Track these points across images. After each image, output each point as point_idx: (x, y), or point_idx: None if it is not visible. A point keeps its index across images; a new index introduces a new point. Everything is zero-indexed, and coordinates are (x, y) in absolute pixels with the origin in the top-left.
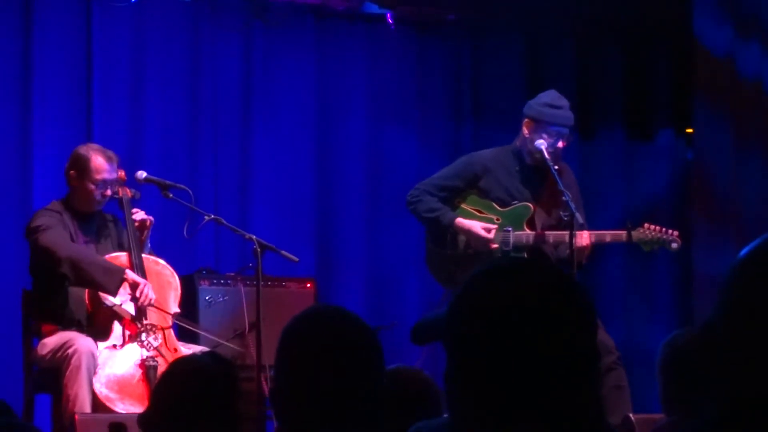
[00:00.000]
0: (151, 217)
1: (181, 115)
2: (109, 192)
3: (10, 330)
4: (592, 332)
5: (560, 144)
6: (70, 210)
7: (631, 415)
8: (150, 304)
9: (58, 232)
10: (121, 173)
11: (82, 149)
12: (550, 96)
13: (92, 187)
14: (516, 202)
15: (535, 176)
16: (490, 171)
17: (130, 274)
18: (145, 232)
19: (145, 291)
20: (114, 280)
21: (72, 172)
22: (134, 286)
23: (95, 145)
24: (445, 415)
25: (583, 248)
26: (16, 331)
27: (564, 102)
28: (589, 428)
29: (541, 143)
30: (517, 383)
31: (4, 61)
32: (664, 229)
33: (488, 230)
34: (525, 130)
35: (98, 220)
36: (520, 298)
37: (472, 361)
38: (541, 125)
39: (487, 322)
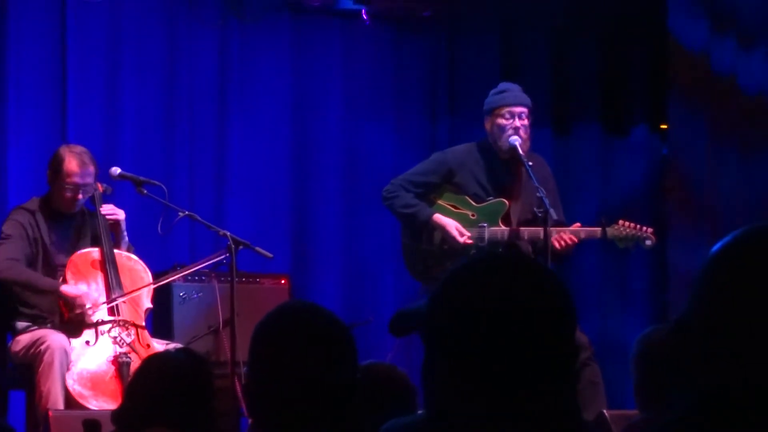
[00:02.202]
0: (117, 215)
1: (156, 111)
2: (80, 196)
3: None
4: (572, 329)
5: (517, 122)
6: (47, 208)
7: (605, 411)
8: (93, 312)
9: (9, 247)
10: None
11: (62, 149)
12: (498, 86)
13: (63, 189)
14: (491, 197)
15: (509, 171)
16: (465, 166)
17: (65, 289)
18: (119, 226)
19: (78, 303)
20: (47, 300)
21: (49, 171)
22: (71, 300)
23: (76, 148)
24: (420, 411)
25: (570, 245)
26: None
27: (511, 86)
28: (565, 425)
29: (515, 139)
30: (495, 379)
31: None
32: (638, 226)
33: (462, 234)
34: (487, 127)
35: (78, 218)
36: (502, 293)
37: (451, 356)
38: (494, 114)
39: (467, 318)
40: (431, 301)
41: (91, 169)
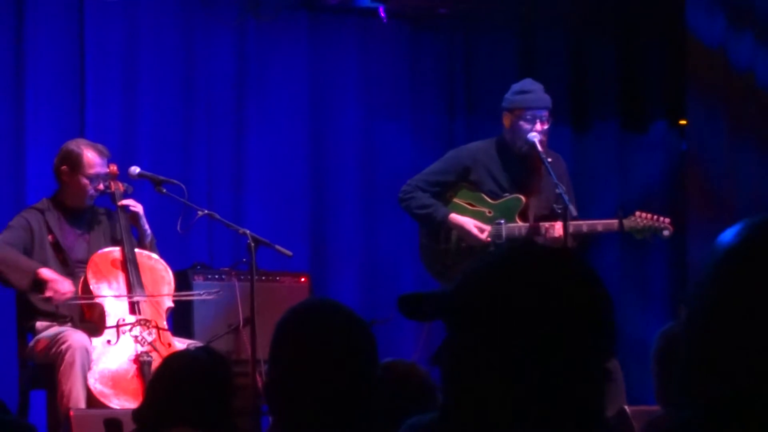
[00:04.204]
0: (135, 207)
1: (174, 110)
2: (101, 186)
3: (5, 326)
4: (608, 329)
5: (538, 126)
6: (59, 206)
7: (626, 407)
8: (68, 300)
9: (6, 234)
10: (114, 168)
11: (72, 144)
12: (522, 83)
13: (86, 181)
14: (507, 194)
15: (524, 167)
16: (480, 163)
17: (45, 273)
18: (139, 220)
19: (57, 287)
20: (25, 278)
21: (64, 167)
22: (48, 282)
23: (85, 140)
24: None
25: (555, 239)
26: (11, 327)
27: (535, 86)
28: (590, 423)
29: (534, 136)
30: (527, 373)
31: None
32: (655, 217)
33: (481, 230)
34: (505, 123)
35: (89, 214)
36: (540, 288)
37: (478, 347)
38: (516, 114)
39: (502, 311)
40: (465, 285)
41: (107, 157)
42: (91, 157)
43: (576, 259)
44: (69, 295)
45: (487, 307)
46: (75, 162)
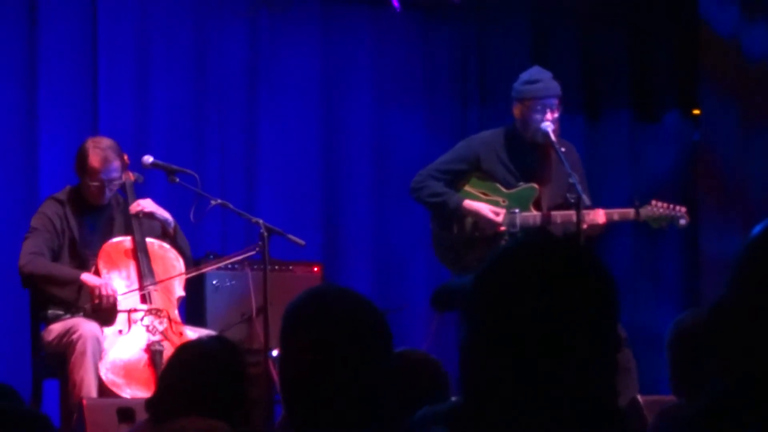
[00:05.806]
0: (145, 209)
1: (187, 101)
2: (107, 191)
3: (19, 316)
4: (615, 319)
5: (549, 115)
6: (78, 199)
7: (638, 396)
8: (115, 300)
9: (34, 241)
10: (125, 158)
11: (87, 144)
12: (530, 72)
13: (89, 185)
14: (521, 183)
15: (536, 156)
16: (492, 152)
17: (88, 279)
18: (155, 216)
19: (103, 292)
20: (71, 290)
21: (76, 165)
22: (93, 289)
23: (100, 141)
24: (453, 399)
25: (598, 225)
26: (24, 317)
27: (543, 74)
28: (602, 412)
29: (547, 125)
30: (533, 364)
31: (10, 48)
32: (671, 206)
33: (497, 213)
34: (515, 113)
35: (109, 209)
36: (548, 279)
37: (490, 337)
38: (526, 104)
39: (510, 300)
40: (476, 280)
41: (116, 164)
42: (93, 165)
43: (582, 251)
44: (116, 296)
45: (495, 304)
46: (81, 165)
